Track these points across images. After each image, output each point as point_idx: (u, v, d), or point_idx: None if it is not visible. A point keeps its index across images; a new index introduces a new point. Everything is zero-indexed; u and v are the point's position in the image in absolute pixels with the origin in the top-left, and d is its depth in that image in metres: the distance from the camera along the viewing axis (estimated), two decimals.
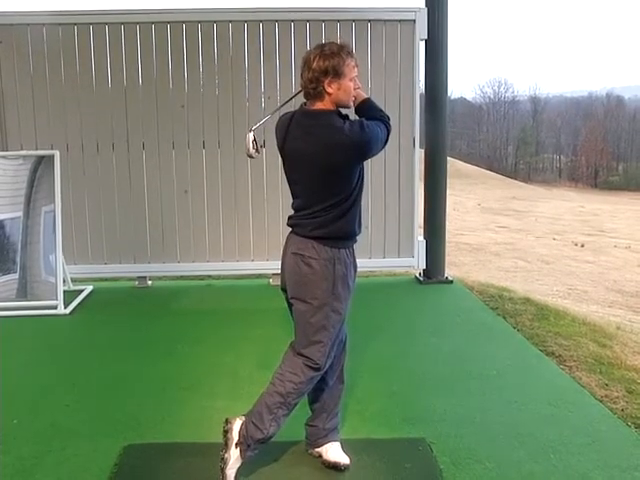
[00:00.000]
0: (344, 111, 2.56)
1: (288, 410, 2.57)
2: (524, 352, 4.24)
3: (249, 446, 2.51)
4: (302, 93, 2.54)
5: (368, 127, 2.47)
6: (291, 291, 2.60)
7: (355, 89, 2.55)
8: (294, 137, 2.52)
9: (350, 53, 2.48)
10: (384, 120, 2.59)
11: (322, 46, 2.47)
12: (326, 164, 2.44)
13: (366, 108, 2.62)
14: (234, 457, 2.50)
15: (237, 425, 2.52)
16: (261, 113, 5.74)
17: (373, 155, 2.57)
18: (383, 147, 2.60)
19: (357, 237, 2.63)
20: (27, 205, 5.25)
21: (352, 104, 2.57)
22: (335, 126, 2.45)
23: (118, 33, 5.63)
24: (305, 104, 2.55)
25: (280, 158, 2.63)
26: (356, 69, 2.51)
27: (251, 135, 2.55)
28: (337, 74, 2.43)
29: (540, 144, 67.76)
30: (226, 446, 2.50)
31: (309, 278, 2.52)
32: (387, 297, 5.59)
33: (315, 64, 2.42)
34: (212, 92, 5.81)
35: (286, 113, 2.63)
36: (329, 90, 2.44)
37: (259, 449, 2.57)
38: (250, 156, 2.59)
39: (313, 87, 2.45)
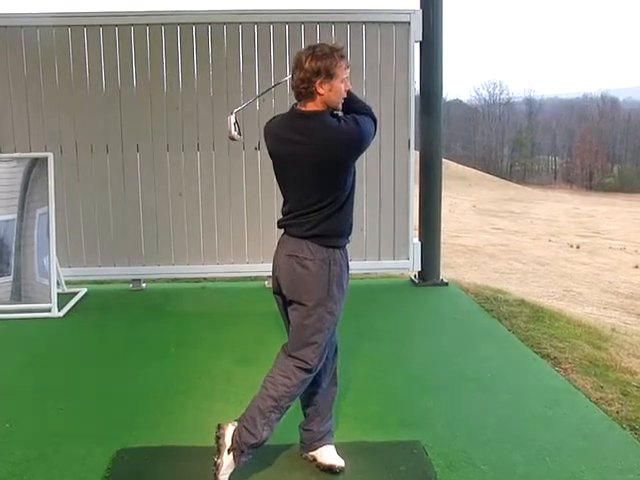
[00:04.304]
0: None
1: (280, 414, 2.56)
2: (519, 354, 4.24)
3: (242, 452, 2.50)
4: (293, 91, 2.54)
5: (362, 122, 2.50)
6: (287, 293, 2.59)
7: (346, 90, 2.56)
8: (286, 139, 2.52)
9: (342, 55, 2.48)
10: (369, 112, 2.61)
11: (314, 47, 2.48)
12: (322, 163, 2.44)
13: (350, 101, 2.61)
14: (226, 463, 2.49)
15: (229, 431, 2.51)
16: (256, 115, 5.74)
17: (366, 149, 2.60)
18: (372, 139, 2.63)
19: (349, 237, 2.63)
20: (21, 207, 5.23)
21: (342, 105, 2.57)
22: (330, 125, 2.46)
23: (112, 35, 5.61)
24: (296, 105, 2.55)
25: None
26: (347, 70, 2.52)
27: (232, 117, 2.58)
28: (329, 75, 2.44)
29: (535, 146, 67.82)
30: (218, 452, 2.49)
31: (304, 279, 2.51)
32: (382, 299, 5.59)
33: (307, 64, 2.43)
34: (207, 94, 5.79)
35: (275, 116, 2.64)
36: (320, 91, 2.45)
37: (253, 454, 2.56)
38: (232, 138, 2.62)
39: (305, 87, 2.46)
